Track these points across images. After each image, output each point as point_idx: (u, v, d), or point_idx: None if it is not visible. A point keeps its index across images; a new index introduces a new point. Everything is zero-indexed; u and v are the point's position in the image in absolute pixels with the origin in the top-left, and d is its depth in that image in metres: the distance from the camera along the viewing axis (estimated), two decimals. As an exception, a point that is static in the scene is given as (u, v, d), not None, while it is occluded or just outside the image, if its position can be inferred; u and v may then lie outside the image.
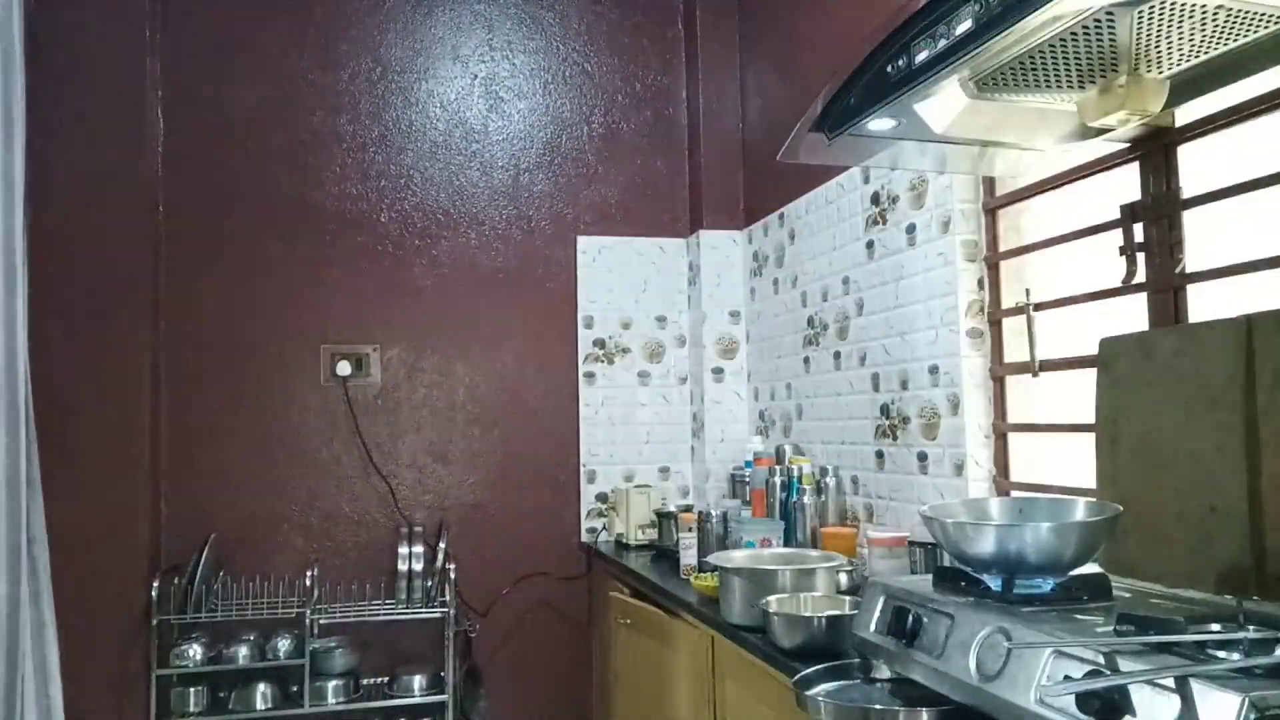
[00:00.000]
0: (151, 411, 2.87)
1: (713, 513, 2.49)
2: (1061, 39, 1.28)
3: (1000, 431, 2.08)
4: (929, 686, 1.23)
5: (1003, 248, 2.10)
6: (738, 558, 2.01)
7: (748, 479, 2.79)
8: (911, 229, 2.26)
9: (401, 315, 3.19)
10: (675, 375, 3.41)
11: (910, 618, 1.30)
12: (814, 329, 2.76)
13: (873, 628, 1.39)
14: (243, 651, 2.72)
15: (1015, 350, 2.08)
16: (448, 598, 2.85)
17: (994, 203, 2.11)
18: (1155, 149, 1.67)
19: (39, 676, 2.56)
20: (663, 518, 2.88)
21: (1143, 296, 1.70)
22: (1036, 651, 1.07)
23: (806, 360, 2.80)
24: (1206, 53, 1.32)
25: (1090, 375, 1.60)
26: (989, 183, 2.13)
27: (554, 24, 3.41)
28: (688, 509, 2.76)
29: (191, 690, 2.72)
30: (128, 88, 2.90)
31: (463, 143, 3.29)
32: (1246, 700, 0.83)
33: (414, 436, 3.18)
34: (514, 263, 3.32)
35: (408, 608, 2.91)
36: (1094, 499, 1.45)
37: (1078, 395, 1.83)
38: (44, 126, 2.72)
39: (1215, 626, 1.10)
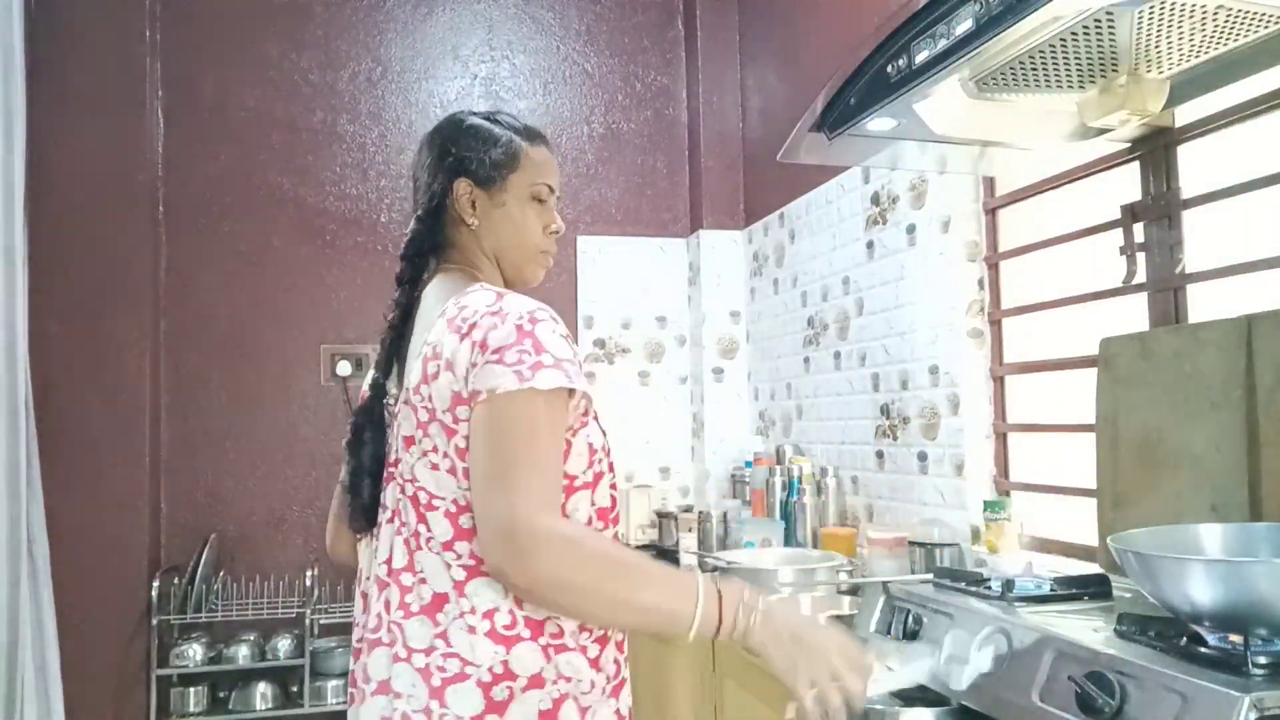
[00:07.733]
0: (151, 411, 2.86)
1: (713, 513, 2.49)
2: (1061, 39, 1.28)
3: (1000, 431, 2.08)
4: (929, 686, 1.23)
5: (1003, 248, 2.10)
6: (738, 558, 2.01)
7: (748, 479, 2.78)
8: (911, 229, 2.26)
9: (401, 315, 3.18)
10: (675, 375, 3.41)
11: (910, 618, 1.30)
12: (814, 329, 2.75)
13: (873, 628, 1.39)
14: (243, 651, 2.71)
15: (1015, 350, 2.08)
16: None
17: (994, 203, 2.11)
18: (1155, 149, 1.67)
19: (39, 676, 2.56)
20: (663, 518, 2.88)
21: (1143, 296, 1.70)
22: (1037, 651, 1.07)
23: (806, 360, 2.80)
24: (1206, 53, 1.32)
25: (1090, 375, 1.60)
26: (989, 183, 2.13)
27: (554, 24, 3.41)
28: (688, 509, 2.76)
29: (191, 690, 2.72)
30: (128, 88, 2.90)
31: (463, 143, 3.28)
32: (1246, 700, 0.83)
33: (414, 436, 3.17)
34: (514, 263, 3.31)
35: (408, 608, 2.90)
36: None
37: (1078, 395, 1.82)
38: (44, 126, 2.71)
39: (1215, 626, 1.10)
